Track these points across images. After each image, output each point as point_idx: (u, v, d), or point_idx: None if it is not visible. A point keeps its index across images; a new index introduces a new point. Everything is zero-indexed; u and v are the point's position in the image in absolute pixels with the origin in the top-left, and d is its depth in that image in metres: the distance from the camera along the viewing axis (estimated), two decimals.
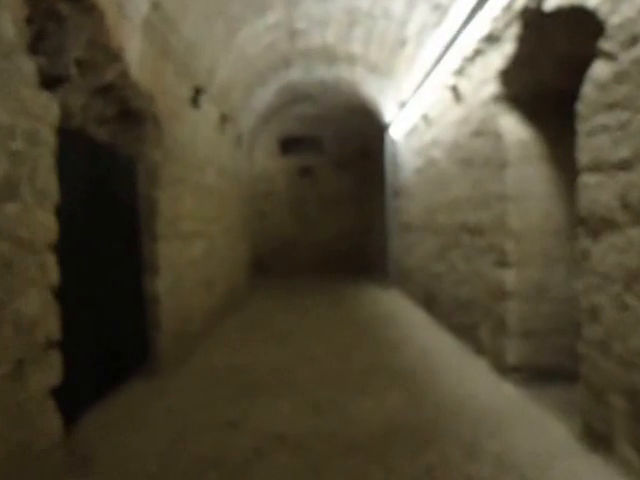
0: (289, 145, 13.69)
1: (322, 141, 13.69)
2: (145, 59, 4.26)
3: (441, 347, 5.61)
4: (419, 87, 7.14)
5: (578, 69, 4.14)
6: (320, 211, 13.79)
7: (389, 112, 9.67)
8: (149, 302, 4.74)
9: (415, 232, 8.44)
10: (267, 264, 13.60)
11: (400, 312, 7.77)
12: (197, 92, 5.99)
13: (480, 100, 4.95)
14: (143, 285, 4.72)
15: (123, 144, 4.56)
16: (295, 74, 9.17)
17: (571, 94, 4.28)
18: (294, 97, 10.66)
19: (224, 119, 7.47)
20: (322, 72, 9.22)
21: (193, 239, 5.95)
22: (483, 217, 4.97)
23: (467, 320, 5.52)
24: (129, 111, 4.41)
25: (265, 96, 9.29)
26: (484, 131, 4.89)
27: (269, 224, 13.73)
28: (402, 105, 8.39)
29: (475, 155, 5.18)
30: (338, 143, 13.65)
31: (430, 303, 7.28)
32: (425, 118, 7.35)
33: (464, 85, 5.44)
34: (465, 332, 5.59)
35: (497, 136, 4.53)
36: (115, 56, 3.40)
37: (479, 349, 5.14)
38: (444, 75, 6.04)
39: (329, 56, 8.35)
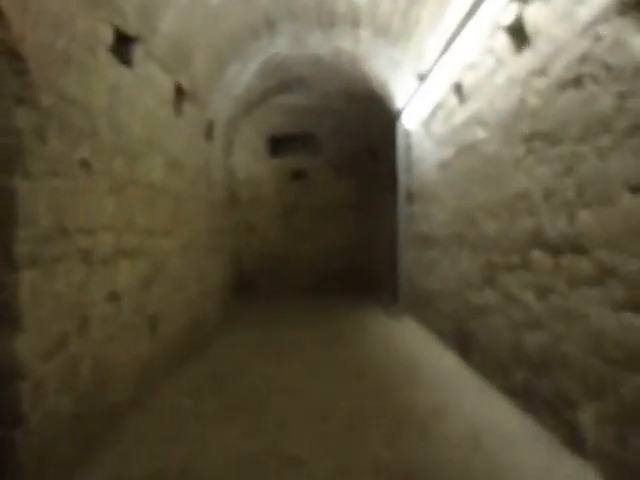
0: (279, 144, 11.66)
1: (318, 139, 11.67)
2: None
3: (501, 429, 3.52)
4: (449, 44, 5.11)
5: None
6: (315, 221, 11.74)
7: (402, 94, 7.66)
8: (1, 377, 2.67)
9: (439, 246, 6.38)
10: (253, 284, 11.52)
11: (422, 356, 5.69)
12: (123, 38, 3.96)
13: (577, 26, 2.92)
14: None
15: None
16: (282, 44, 7.17)
17: None
18: (282, 81, 8.65)
19: (181, 94, 5.44)
20: (316, 42, 7.22)
21: (118, 261, 3.87)
22: (586, 223, 2.91)
23: (544, 387, 3.43)
24: None
25: (244, 75, 7.26)
26: (590, 75, 2.84)
27: (256, 237, 11.67)
28: (422, 78, 6.36)
29: (566, 121, 3.13)
30: (337, 141, 11.63)
31: (467, 345, 5.19)
32: (457, 89, 5.33)
33: (535, 14, 3.41)
34: (540, 405, 3.51)
35: (632, 73, 2.49)
36: None
37: (574, 442, 3.05)
38: (494, 12, 4.01)
39: (325, 15, 6.34)
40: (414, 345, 6.25)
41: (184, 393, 4.47)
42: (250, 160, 11.53)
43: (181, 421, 3.83)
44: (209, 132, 6.86)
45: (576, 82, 2.97)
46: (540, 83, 3.46)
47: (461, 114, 5.29)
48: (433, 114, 6.47)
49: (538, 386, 3.54)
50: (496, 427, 3.56)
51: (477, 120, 4.77)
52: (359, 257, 11.80)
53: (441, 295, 6.29)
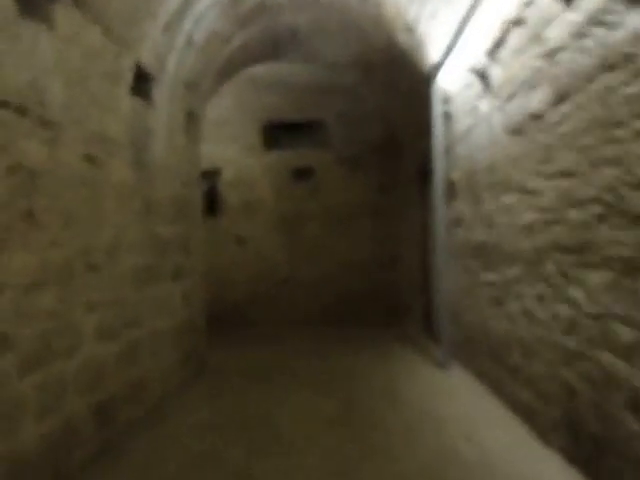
0: (277, 134, 9.23)
1: (325, 127, 9.21)
2: None
3: None
4: None
5: None
6: (325, 233, 9.22)
7: (440, 37, 5.16)
8: None
9: (517, 264, 3.83)
10: (245, 315, 9.02)
11: (508, 467, 3.12)
12: None
13: None
14: None
15: None
16: None
17: None
18: (268, 31, 6.18)
19: None
20: None
21: None
22: None
23: None
24: None
25: (202, 7, 4.80)
26: None
27: (249, 253, 9.18)
28: None
29: None
30: (349, 128, 9.14)
31: (601, 459, 2.62)
32: None
33: None
34: None
35: None
36: None
37: None
38: None
39: None
40: (482, 434, 3.67)
41: None
42: (240, 154, 9.10)
43: None
44: (140, 86, 4.40)
45: None
46: None
47: (571, 16, 2.78)
48: (498, 49, 3.97)
49: None
50: None
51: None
52: (380, 278, 9.22)
53: (524, 347, 3.72)
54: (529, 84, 3.42)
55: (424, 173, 7.29)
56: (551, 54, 3.05)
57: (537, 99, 3.29)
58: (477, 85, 4.66)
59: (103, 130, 3.69)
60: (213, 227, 9.15)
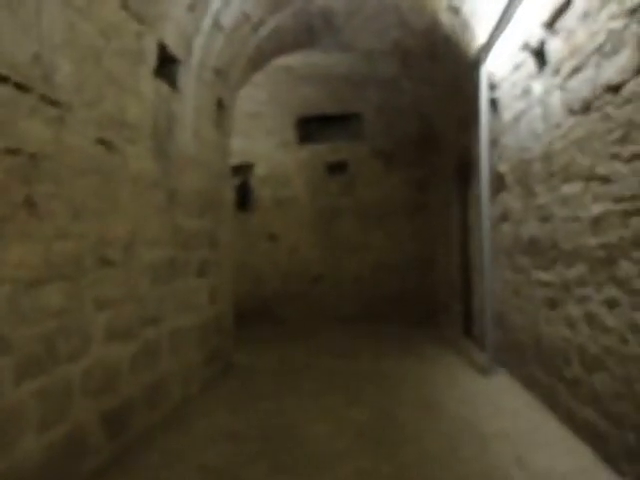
0: (311, 127, 8.88)
1: (361, 120, 8.81)
2: None
3: None
4: None
5: None
6: (360, 230, 8.83)
7: (489, 16, 4.69)
8: None
9: (578, 263, 3.36)
10: (275, 314, 8.71)
11: None
12: None
13: None
14: None
15: None
16: None
17: None
18: (301, 15, 5.80)
19: None
20: None
21: None
22: None
23: None
24: None
25: None
26: None
27: (281, 250, 8.87)
28: None
29: None
30: (386, 121, 8.71)
31: None
32: None
33: None
34: None
35: None
36: None
37: None
38: None
39: None
40: (536, 455, 3.22)
41: None
42: (273, 148, 8.79)
43: None
44: (164, 70, 4.08)
45: None
46: None
47: None
48: (559, 17, 3.49)
49: None
50: None
51: None
52: (416, 276, 8.77)
53: (587, 357, 3.25)
54: (602, 52, 2.94)
55: (464, 168, 6.82)
56: (633, 12, 2.58)
57: (614, 67, 2.82)
58: (530, 64, 4.19)
59: (121, 113, 3.40)
60: (245, 223, 8.89)
